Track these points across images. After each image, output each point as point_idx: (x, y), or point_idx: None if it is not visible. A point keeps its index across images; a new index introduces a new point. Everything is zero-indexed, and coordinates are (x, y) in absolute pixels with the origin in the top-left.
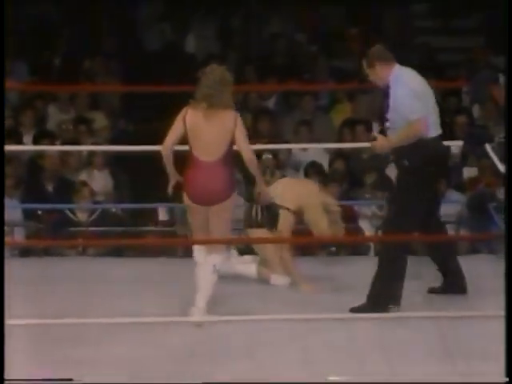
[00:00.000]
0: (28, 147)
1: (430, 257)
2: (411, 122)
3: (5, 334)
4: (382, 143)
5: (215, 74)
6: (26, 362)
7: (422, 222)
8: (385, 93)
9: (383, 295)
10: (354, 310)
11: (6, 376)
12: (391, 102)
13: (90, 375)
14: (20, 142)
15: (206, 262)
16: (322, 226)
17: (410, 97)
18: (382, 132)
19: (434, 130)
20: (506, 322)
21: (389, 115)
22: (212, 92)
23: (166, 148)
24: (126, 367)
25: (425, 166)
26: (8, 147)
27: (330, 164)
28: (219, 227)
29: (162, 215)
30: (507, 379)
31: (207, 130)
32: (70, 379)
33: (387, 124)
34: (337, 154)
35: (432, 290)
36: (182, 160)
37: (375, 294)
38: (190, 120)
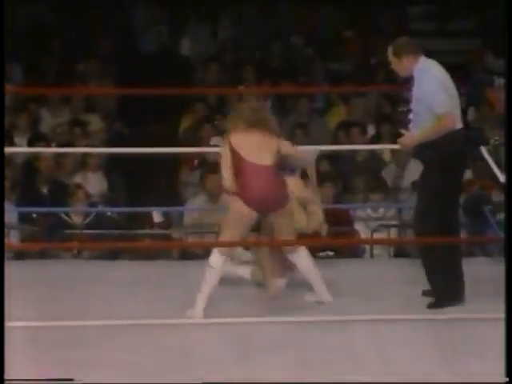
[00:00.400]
0: (23, 149)
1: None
2: (440, 116)
3: (4, 336)
4: (409, 139)
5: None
6: (24, 364)
7: (450, 219)
8: (408, 84)
9: (445, 289)
10: (430, 306)
11: (6, 376)
12: (417, 93)
13: (86, 377)
14: (11, 145)
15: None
16: (298, 220)
17: (438, 90)
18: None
19: (459, 123)
20: (506, 322)
21: (413, 107)
22: (256, 115)
23: (230, 183)
24: (123, 369)
25: (453, 160)
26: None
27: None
28: (286, 231)
29: (157, 217)
30: (507, 379)
31: (255, 139)
32: (71, 379)
33: (410, 116)
34: (325, 156)
35: (426, 293)
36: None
37: (438, 288)
38: (236, 142)
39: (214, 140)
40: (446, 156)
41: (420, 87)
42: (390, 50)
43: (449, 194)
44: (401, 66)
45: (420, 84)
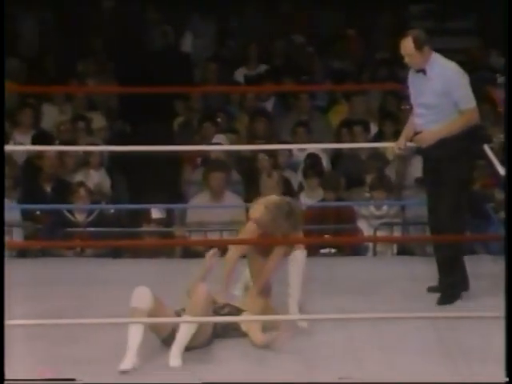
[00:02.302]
0: (24, 147)
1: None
2: (466, 110)
3: (4, 335)
4: (430, 135)
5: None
6: (24, 362)
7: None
8: (418, 78)
9: (457, 284)
10: (439, 302)
11: (6, 376)
12: (439, 87)
13: (87, 375)
14: (7, 143)
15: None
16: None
17: (465, 84)
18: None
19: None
20: (506, 322)
21: (430, 101)
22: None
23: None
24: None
25: (470, 155)
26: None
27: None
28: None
29: (155, 213)
30: (507, 379)
31: None
32: (73, 379)
33: (419, 111)
34: (327, 154)
35: (432, 289)
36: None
37: (451, 284)
38: None
39: (217, 138)
40: (464, 151)
41: (443, 81)
42: (408, 41)
43: (466, 189)
44: (421, 57)
45: (443, 78)
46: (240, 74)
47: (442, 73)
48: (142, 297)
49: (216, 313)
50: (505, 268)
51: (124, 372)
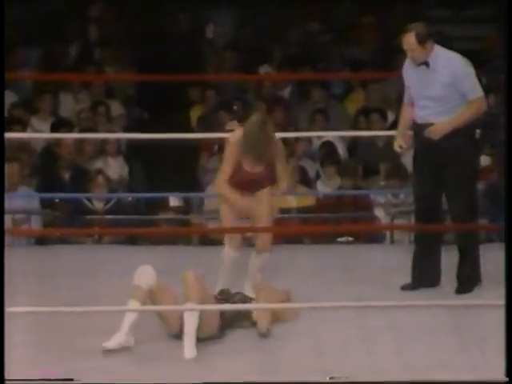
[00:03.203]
0: (41, 135)
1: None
2: (474, 100)
3: (4, 334)
4: (442, 127)
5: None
6: (40, 350)
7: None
8: (420, 70)
9: (474, 276)
10: (458, 291)
11: (7, 376)
12: (445, 79)
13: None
14: (25, 130)
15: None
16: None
17: (471, 74)
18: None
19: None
20: (506, 321)
21: (436, 93)
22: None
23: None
24: (139, 356)
25: (479, 144)
26: (25, 135)
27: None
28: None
29: (173, 201)
30: (507, 379)
31: None
32: (71, 379)
33: (424, 103)
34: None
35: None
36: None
37: (468, 275)
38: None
39: (232, 124)
40: (475, 140)
41: (450, 72)
42: (410, 37)
43: (477, 178)
44: (423, 52)
45: (449, 69)
46: (265, 69)
47: (447, 64)
48: (144, 275)
49: (227, 301)
50: (504, 262)
51: (107, 350)
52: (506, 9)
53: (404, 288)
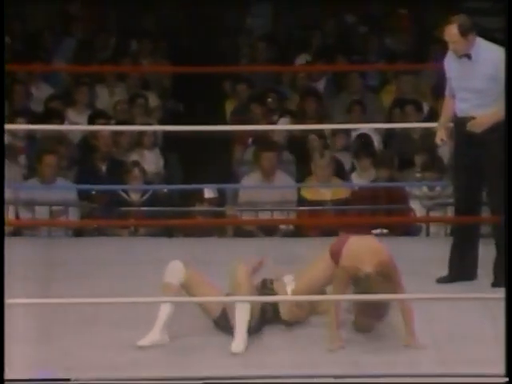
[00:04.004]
0: (78, 127)
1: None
2: None
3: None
4: (486, 120)
5: None
6: (76, 342)
7: None
8: (461, 63)
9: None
10: (494, 285)
11: (6, 376)
12: (488, 71)
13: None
14: (62, 122)
15: None
16: None
17: None
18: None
19: None
20: (506, 321)
21: (478, 85)
22: None
23: None
24: (173, 348)
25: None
26: (58, 127)
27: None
28: None
29: (208, 193)
30: (507, 379)
31: None
32: (68, 379)
33: (464, 95)
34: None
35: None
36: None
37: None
38: None
39: (282, 121)
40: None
41: (492, 65)
42: (452, 28)
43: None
44: (466, 44)
45: (491, 62)
46: (301, 60)
47: (489, 57)
48: (173, 272)
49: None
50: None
51: (140, 347)
52: (506, 8)
53: (440, 281)
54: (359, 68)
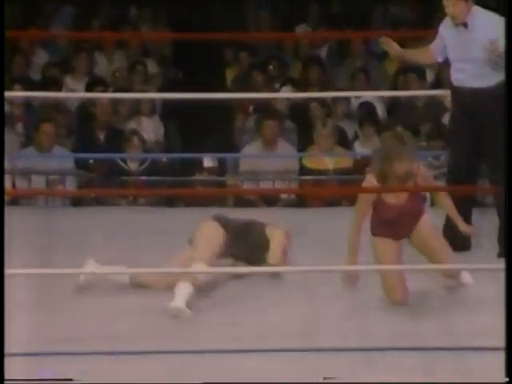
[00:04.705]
0: (77, 94)
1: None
2: None
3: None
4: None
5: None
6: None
7: None
8: (457, 31)
9: None
10: (500, 255)
11: (7, 375)
12: (484, 39)
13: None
14: (60, 90)
15: None
16: None
17: None
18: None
19: None
20: (506, 320)
21: (478, 54)
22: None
23: None
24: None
25: None
26: (56, 95)
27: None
28: None
29: (207, 162)
30: (507, 379)
31: None
32: (70, 379)
33: (460, 66)
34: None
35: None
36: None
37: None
38: None
39: (284, 89)
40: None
41: (489, 33)
42: None
43: None
44: (465, 8)
45: (488, 30)
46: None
47: (486, 25)
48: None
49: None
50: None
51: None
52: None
53: None
54: (363, 35)
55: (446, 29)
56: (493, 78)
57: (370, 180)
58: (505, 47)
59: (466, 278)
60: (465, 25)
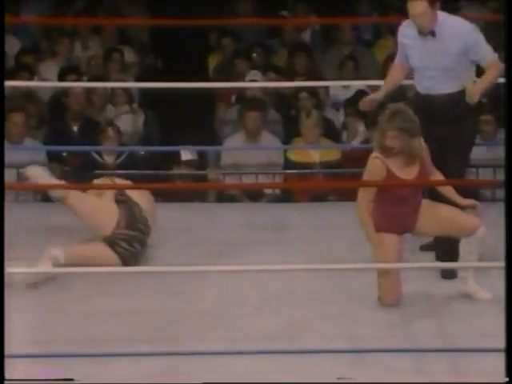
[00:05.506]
0: (49, 83)
1: None
2: (493, 63)
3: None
4: (478, 89)
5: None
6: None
7: None
8: (423, 40)
9: None
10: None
11: (7, 375)
12: (455, 47)
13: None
14: (32, 78)
15: None
16: None
17: (482, 39)
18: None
19: None
20: (506, 321)
21: (445, 62)
22: None
23: None
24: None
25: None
26: (27, 83)
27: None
28: None
29: (185, 155)
30: (507, 379)
31: None
32: (71, 379)
33: (428, 74)
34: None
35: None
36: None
37: None
38: None
39: (252, 74)
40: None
41: (459, 41)
42: (421, 2)
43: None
44: (433, 18)
45: (458, 38)
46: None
47: (455, 33)
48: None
49: None
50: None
51: None
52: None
53: (423, 248)
54: (351, 21)
55: (409, 39)
56: (458, 83)
57: (376, 155)
58: (505, 47)
59: (482, 231)
60: (432, 33)
